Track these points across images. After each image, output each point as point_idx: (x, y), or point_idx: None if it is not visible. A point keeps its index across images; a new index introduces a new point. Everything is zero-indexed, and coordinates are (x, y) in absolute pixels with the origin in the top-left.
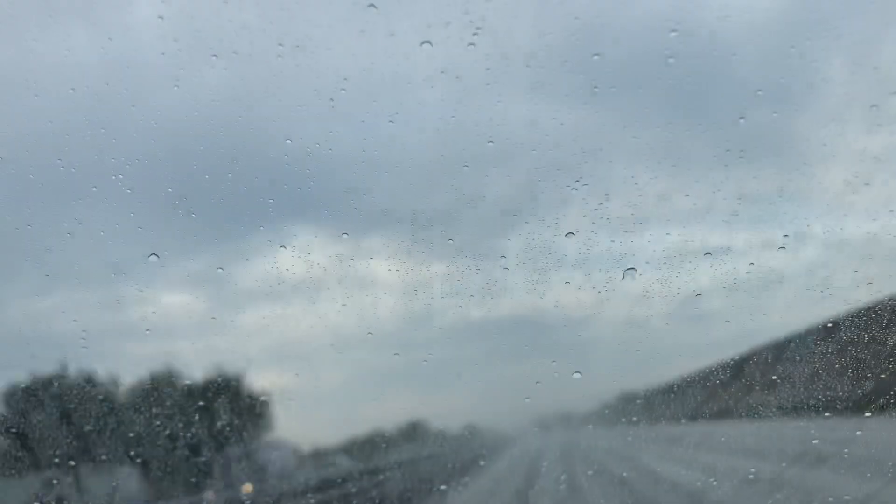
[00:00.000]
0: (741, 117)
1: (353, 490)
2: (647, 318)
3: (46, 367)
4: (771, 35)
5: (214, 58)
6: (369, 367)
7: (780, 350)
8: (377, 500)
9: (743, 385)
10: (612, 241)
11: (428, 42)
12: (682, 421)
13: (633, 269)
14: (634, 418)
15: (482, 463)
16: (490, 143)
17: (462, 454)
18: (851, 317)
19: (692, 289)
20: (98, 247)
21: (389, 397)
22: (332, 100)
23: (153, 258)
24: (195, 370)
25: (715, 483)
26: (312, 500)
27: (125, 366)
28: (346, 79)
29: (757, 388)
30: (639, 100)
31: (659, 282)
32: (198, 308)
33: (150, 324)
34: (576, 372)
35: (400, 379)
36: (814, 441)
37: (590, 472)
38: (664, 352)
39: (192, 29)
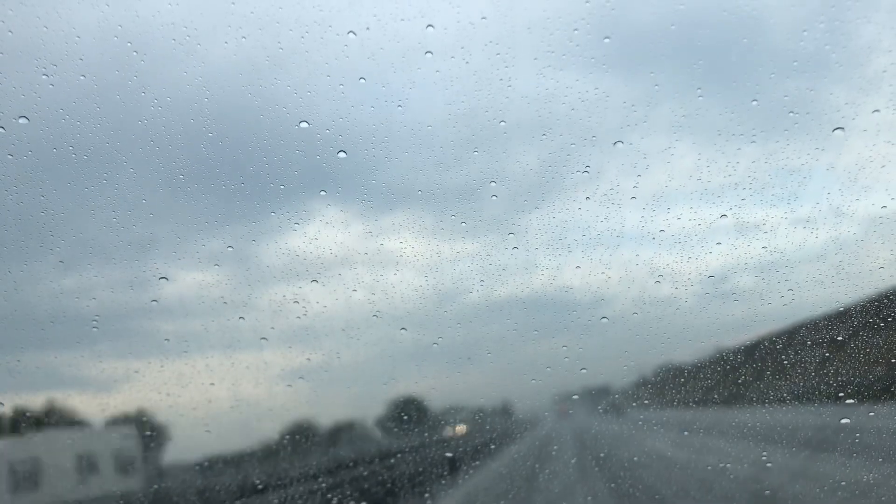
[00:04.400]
0: (753, 100)
1: (364, 473)
2: (658, 301)
3: (59, 348)
4: (796, 7)
5: (225, 39)
6: (379, 350)
7: (793, 334)
8: (388, 484)
9: (755, 370)
10: (623, 223)
11: (434, 25)
12: (692, 405)
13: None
14: (647, 402)
15: (492, 447)
16: (502, 124)
17: (472, 438)
18: (864, 302)
19: (705, 270)
20: (111, 229)
21: (400, 380)
22: (342, 84)
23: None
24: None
25: (729, 467)
26: (324, 484)
27: (136, 347)
28: (356, 62)
29: (769, 373)
30: (652, 76)
31: (669, 266)
32: (211, 290)
33: (163, 305)
34: (586, 356)
35: (410, 361)
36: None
37: (601, 455)
38: (676, 335)
39: (201, 12)
